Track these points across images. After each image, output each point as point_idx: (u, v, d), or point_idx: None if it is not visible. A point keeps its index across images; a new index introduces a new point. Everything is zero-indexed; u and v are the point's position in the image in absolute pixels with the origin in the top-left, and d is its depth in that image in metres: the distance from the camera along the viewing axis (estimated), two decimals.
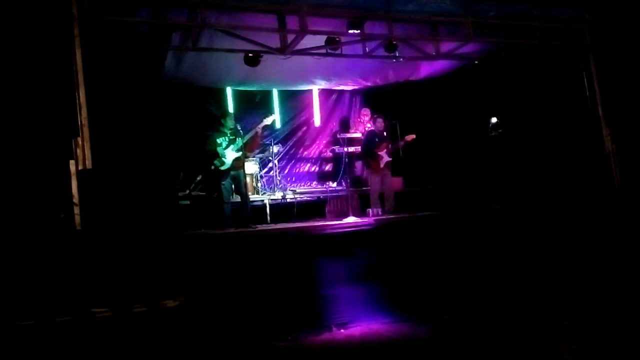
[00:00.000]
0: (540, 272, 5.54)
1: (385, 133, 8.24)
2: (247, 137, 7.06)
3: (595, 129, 7.69)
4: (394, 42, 7.19)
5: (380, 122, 8.21)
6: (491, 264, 5.64)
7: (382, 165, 7.99)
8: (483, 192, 8.19)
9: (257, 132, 7.19)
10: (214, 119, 8.52)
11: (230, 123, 7.14)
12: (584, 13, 7.64)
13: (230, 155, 6.96)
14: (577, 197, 7.14)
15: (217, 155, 6.95)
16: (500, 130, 8.14)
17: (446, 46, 7.81)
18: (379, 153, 7.97)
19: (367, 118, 9.08)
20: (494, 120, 8.15)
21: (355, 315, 4.84)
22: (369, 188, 8.22)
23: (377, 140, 8.08)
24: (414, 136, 8.06)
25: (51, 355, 3.64)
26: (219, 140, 7.02)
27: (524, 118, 8.11)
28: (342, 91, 10.05)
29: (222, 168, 6.94)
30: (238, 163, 6.98)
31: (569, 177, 7.42)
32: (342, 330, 4.68)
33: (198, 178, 8.39)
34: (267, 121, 7.33)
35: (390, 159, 8.03)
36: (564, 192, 7.31)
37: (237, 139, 6.99)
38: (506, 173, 7.97)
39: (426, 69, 8.93)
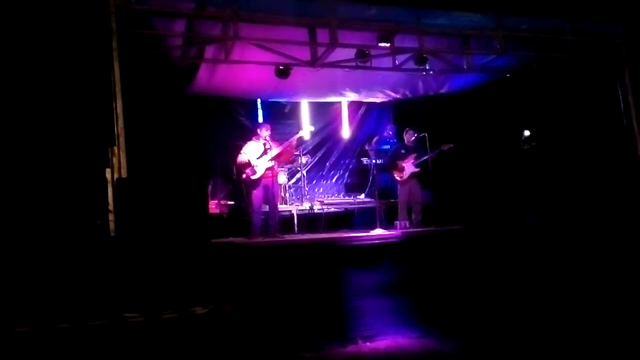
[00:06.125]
0: (573, 290, 5.42)
1: (414, 145, 8.21)
2: (281, 147, 7.14)
3: (630, 145, 7.53)
4: (424, 55, 7.20)
5: (410, 133, 8.15)
6: (522, 280, 5.55)
7: (406, 177, 7.93)
8: (514, 207, 8.05)
9: (291, 144, 7.26)
10: (245, 129, 8.67)
11: (264, 133, 7.23)
12: (618, 27, 7.52)
13: (262, 165, 7.05)
14: (611, 215, 6.96)
15: (250, 165, 7.05)
16: (532, 144, 8.02)
17: (477, 59, 7.78)
18: (403, 164, 7.92)
19: (392, 133, 9.18)
20: (526, 133, 8.02)
21: (382, 328, 4.81)
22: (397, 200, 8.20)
23: (403, 152, 8.03)
24: (451, 145, 7.84)
25: (84, 357, 3.75)
26: (251, 150, 7.12)
27: (557, 132, 7.98)
28: (371, 103, 10.08)
29: (254, 177, 7.03)
30: (270, 173, 7.06)
31: (603, 194, 7.26)
32: (367, 343, 4.64)
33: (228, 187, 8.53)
34: (303, 133, 7.39)
35: (418, 169, 7.96)
36: (597, 209, 7.14)
37: (269, 149, 7.08)
38: (538, 187, 7.82)
39: (457, 82, 8.89)
